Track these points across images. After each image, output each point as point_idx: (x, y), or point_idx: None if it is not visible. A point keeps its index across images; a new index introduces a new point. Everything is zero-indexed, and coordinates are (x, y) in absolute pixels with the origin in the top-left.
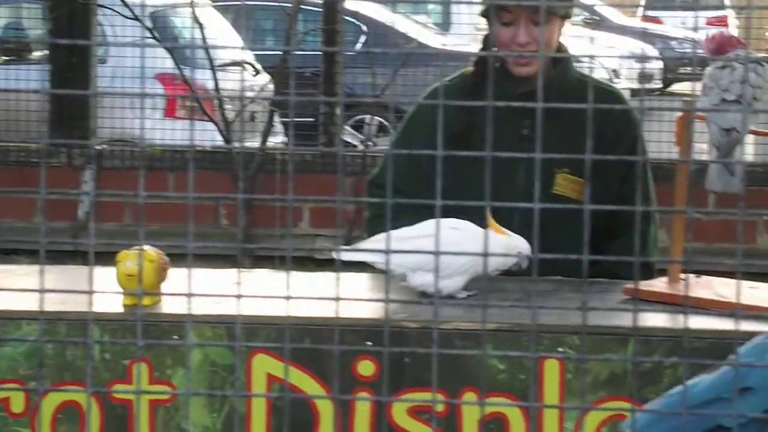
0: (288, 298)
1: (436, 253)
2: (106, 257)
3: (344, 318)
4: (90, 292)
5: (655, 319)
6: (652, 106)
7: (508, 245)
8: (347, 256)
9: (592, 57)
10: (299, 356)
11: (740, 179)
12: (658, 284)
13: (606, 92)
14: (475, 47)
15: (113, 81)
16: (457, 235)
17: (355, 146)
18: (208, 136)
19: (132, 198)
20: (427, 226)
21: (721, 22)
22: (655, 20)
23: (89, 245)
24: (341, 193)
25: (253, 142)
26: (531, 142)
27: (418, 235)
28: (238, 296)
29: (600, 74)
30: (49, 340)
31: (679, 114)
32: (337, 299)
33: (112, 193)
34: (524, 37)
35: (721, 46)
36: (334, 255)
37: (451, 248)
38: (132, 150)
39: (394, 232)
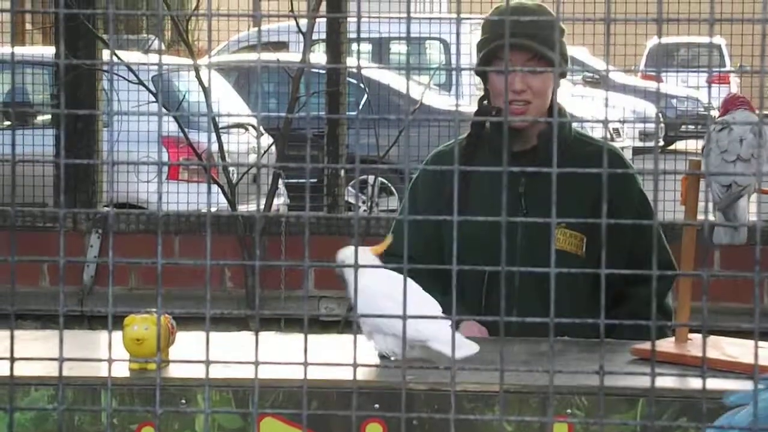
0: (306, 364)
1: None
2: (112, 321)
3: (351, 382)
4: (109, 361)
5: (664, 381)
6: (657, 166)
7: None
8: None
9: (605, 122)
10: (307, 419)
11: (744, 233)
12: (666, 344)
13: (603, 149)
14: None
15: (116, 145)
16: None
17: (357, 207)
18: (212, 199)
19: (150, 263)
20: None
21: (722, 80)
22: (655, 78)
23: (107, 311)
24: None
25: (254, 205)
26: (527, 200)
27: (379, 295)
28: (256, 363)
29: (600, 133)
30: (69, 408)
31: (684, 174)
32: (355, 365)
33: (129, 261)
34: (520, 84)
35: (725, 106)
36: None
37: (391, 308)
38: (146, 214)
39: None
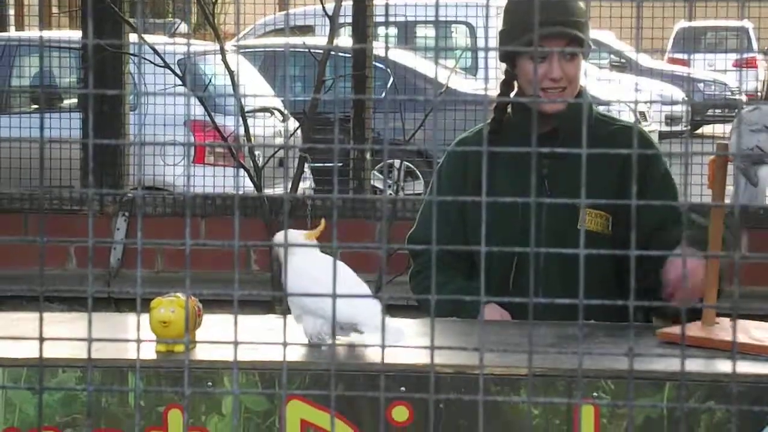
0: (334, 345)
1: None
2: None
3: (379, 364)
4: (138, 341)
5: (692, 364)
6: (683, 149)
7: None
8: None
9: (633, 103)
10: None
11: (763, 195)
12: (693, 328)
13: (626, 129)
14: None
15: (143, 129)
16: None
17: (383, 191)
18: (238, 182)
19: (178, 246)
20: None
21: (749, 63)
22: (681, 62)
23: (135, 293)
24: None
25: (280, 189)
26: (552, 181)
27: (308, 277)
28: (284, 344)
29: (627, 117)
30: (98, 389)
31: (712, 157)
32: (383, 346)
33: (159, 242)
34: (558, 72)
35: None
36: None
37: (316, 288)
38: (172, 197)
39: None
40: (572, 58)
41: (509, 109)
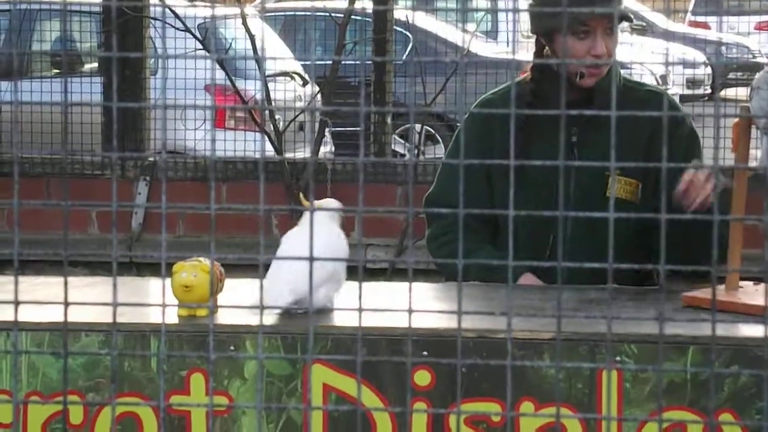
0: (360, 309)
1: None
2: (158, 268)
3: (402, 328)
4: (163, 306)
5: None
6: (706, 112)
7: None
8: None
9: (643, 64)
10: (355, 367)
11: None
12: (716, 292)
13: (654, 94)
14: (524, 55)
15: (163, 93)
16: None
17: (403, 155)
18: (258, 146)
19: (203, 210)
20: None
21: None
22: (703, 25)
23: (158, 257)
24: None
25: (302, 152)
26: (581, 149)
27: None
28: (310, 310)
29: (648, 80)
30: (121, 353)
31: (736, 120)
32: (410, 311)
33: (184, 206)
34: (601, 48)
35: None
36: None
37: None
38: (194, 161)
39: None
40: (611, 33)
41: (540, 76)
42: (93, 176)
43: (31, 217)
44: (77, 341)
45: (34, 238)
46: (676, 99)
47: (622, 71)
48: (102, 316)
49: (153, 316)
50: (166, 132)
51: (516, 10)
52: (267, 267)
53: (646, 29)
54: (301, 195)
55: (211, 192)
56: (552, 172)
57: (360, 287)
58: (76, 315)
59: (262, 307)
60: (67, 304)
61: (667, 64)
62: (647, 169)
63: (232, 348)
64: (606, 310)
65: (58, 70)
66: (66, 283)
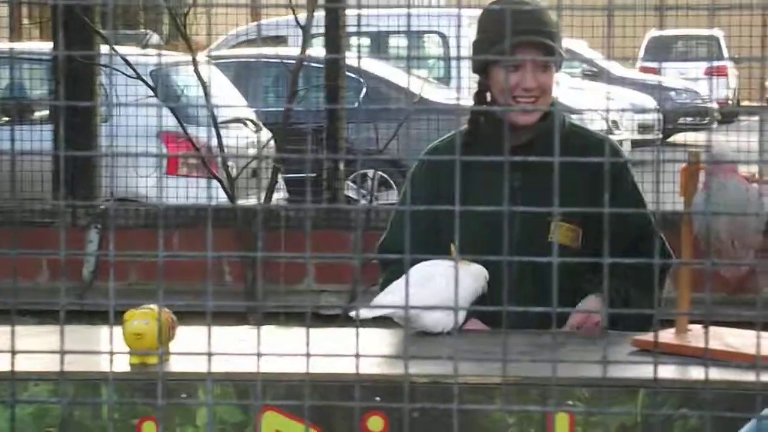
0: (308, 355)
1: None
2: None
3: (353, 374)
4: (111, 353)
5: (665, 371)
6: (655, 157)
7: (477, 273)
8: (367, 313)
9: (603, 111)
10: (308, 413)
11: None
12: (666, 335)
13: (598, 140)
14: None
15: (114, 140)
16: (454, 272)
17: (357, 201)
18: (211, 193)
19: (152, 257)
20: (421, 270)
21: (720, 72)
22: (653, 71)
23: (108, 305)
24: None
25: (254, 199)
26: (523, 194)
27: (426, 277)
28: (258, 354)
29: (599, 125)
30: (71, 402)
31: (683, 165)
32: (357, 356)
33: (132, 254)
34: (531, 82)
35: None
36: (355, 312)
37: (450, 285)
38: (145, 208)
39: (402, 282)
40: (545, 69)
41: (481, 120)
42: (43, 224)
43: None
44: (26, 390)
45: None
46: (628, 144)
47: (573, 116)
48: (51, 365)
49: (103, 364)
50: (117, 179)
51: (462, 58)
52: (215, 314)
53: (597, 75)
54: (452, 246)
55: (160, 240)
56: (495, 216)
57: (307, 333)
58: (25, 364)
59: (210, 354)
60: (14, 352)
61: (613, 110)
62: (589, 217)
63: (184, 395)
64: (551, 354)
65: (7, 118)
66: (13, 332)
